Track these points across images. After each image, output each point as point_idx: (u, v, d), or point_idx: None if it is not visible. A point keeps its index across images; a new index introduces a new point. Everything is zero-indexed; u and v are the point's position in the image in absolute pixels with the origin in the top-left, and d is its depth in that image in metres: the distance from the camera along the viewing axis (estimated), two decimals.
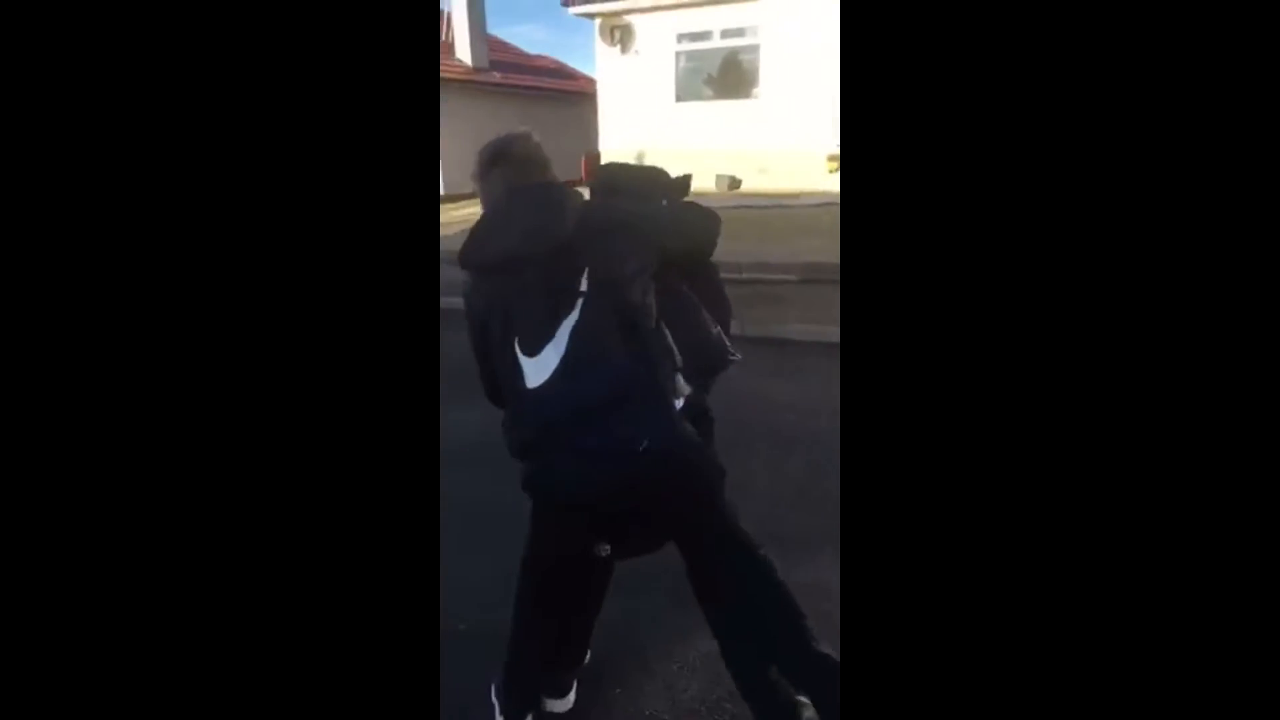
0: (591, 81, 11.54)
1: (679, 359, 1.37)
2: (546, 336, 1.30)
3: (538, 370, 1.31)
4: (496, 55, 13.57)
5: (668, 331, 1.38)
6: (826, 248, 5.59)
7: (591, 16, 10.08)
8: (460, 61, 12.68)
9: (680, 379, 1.38)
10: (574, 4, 10.03)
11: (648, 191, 1.53)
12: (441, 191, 11.16)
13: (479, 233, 1.42)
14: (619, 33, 9.93)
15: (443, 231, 1.57)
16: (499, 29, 24.90)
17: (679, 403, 1.36)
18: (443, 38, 12.96)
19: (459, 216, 7.56)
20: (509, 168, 1.46)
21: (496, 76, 12.70)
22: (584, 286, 1.31)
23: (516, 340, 1.34)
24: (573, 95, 14.16)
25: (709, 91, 9.90)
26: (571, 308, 1.30)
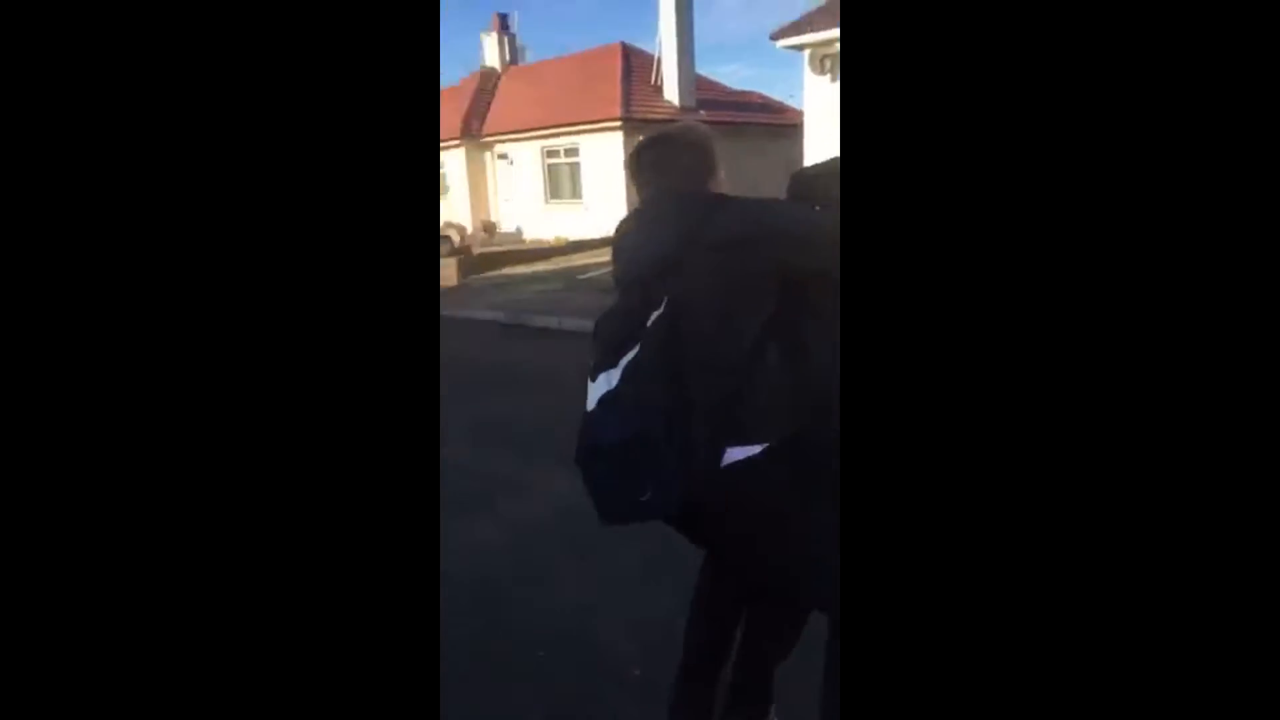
0: (799, 113, 11.39)
1: (753, 401, 1.25)
2: (608, 365, 1.27)
3: (593, 395, 1.28)
4: (704, 94, 13.88)
5: (770, 368, 1.25)
6: None
7: (801, 48, 9.97)
8: (669, 102, 13.13)
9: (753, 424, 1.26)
10: (782, 37, 9.99)
11: (830, 187, 1.33)
12: None
13: (614, 251, 1.41)
14: (829, 61, 9.72)
15: None
16: (707, 69, 25.56)
17: (749, 450, 1.25)
18: (652, 80, 13.52)
19: None
20: (638, 177, 1.37)
21: (703, 114, 12.98)
22: (651, 321, 1.24)
23: (591, 364, 1.32)
24: (781, 128, 14.10)
25: None
26: (635, 342, 1.24)
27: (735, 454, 1.26)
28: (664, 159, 1.35)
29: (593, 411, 1.27)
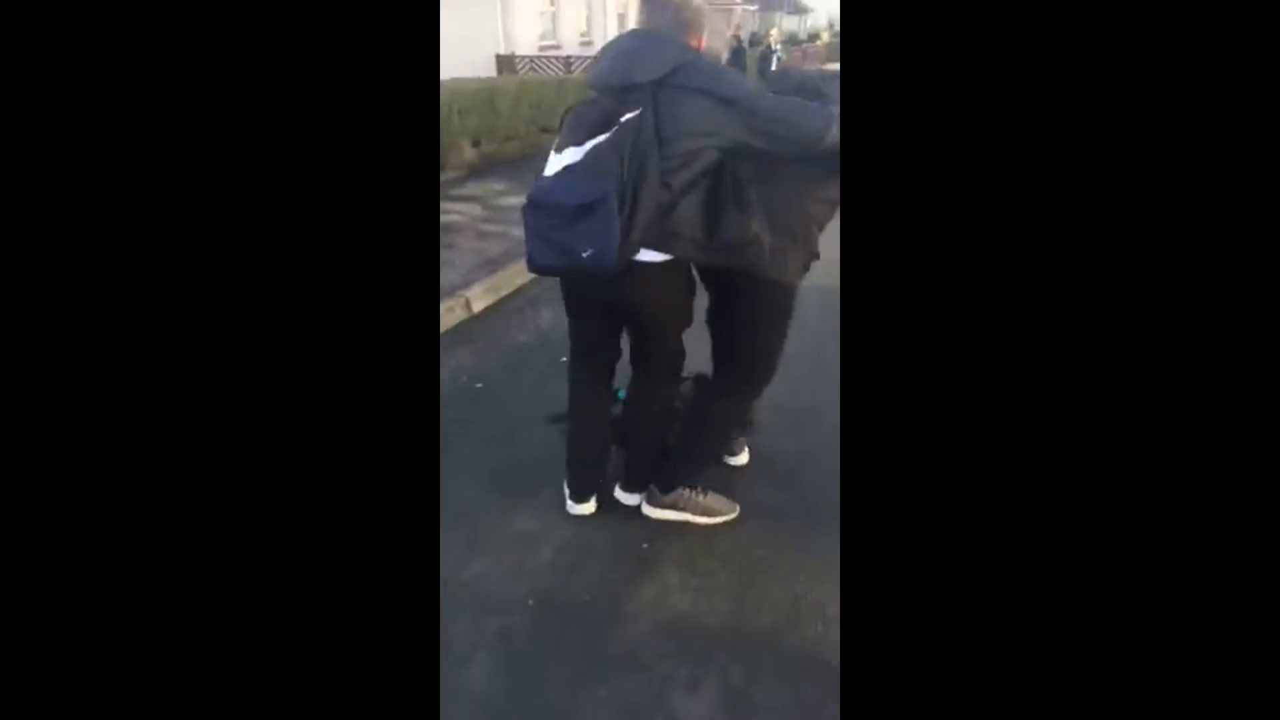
0: None
1: (683, 218, 1.68)
2: (575, 143, 1.63)
3: (555, 164, 1.66)
4: None
5: (698, 200, 1.69)
6: None
7: None
8: None
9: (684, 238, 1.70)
10: None
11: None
12: None
13: (596, 58, 1.75)
14: None
15: None
16: None
17: (656, 256, 1.71)
18: None
19: None
20: (642, 12, 1.72)
21: None
22: (624, 119, 1.58)
23: (557, 139, 1.69)
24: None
25: None
26: (606, 130, 1.59)
27: (646, 256, 1.71)
28: (665, 8, 1.69)
29: (554, 176, 1.63)
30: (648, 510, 2.14)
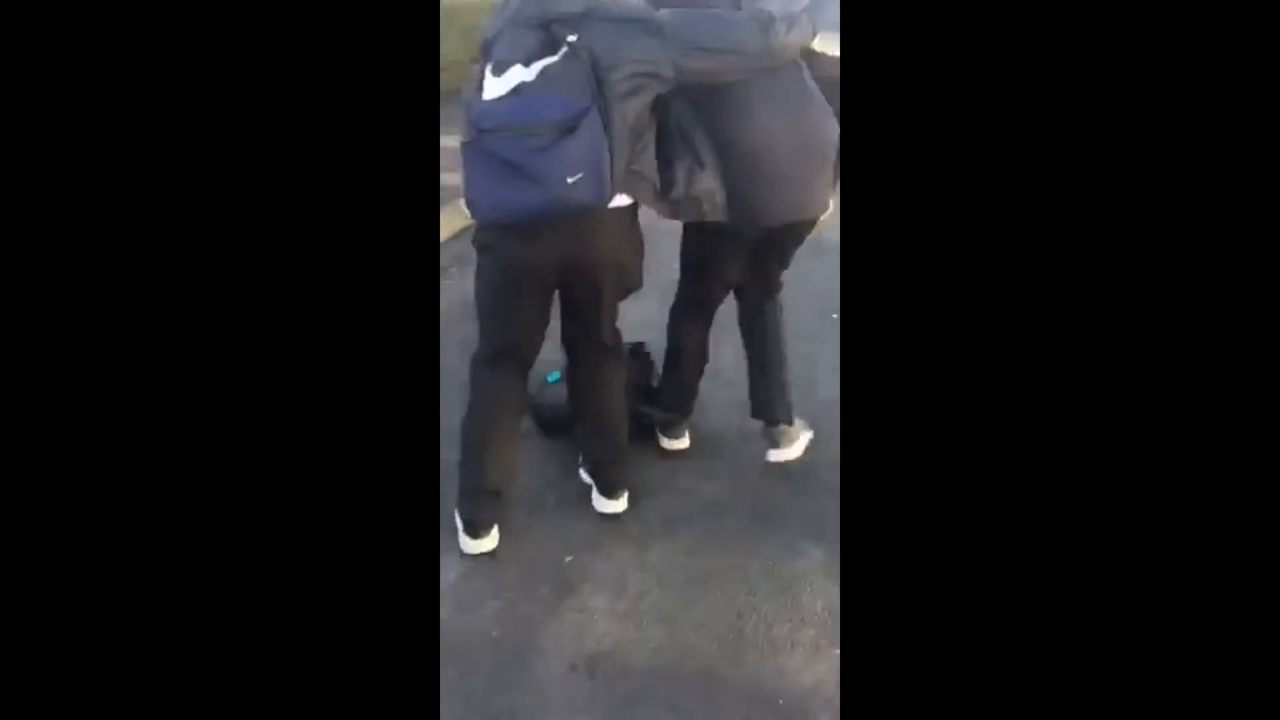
0: None
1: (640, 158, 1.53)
2: (521, 62, 1.44)
3: (499, 86, 1.46)
4: None
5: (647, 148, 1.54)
6: None
7: None
8: None
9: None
10: None
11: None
12: None
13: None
14: None
15: None
16: None
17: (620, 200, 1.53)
18: None
19: None
20: None
21: None
22: (571, 38, 1.43)
23: (490, 64, 1.48)
24: None
25: None
26: (553, 53, 1.43)
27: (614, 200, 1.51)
28: None
29: (505, 96, 1.43)
30: (784, 455, 1.97)
